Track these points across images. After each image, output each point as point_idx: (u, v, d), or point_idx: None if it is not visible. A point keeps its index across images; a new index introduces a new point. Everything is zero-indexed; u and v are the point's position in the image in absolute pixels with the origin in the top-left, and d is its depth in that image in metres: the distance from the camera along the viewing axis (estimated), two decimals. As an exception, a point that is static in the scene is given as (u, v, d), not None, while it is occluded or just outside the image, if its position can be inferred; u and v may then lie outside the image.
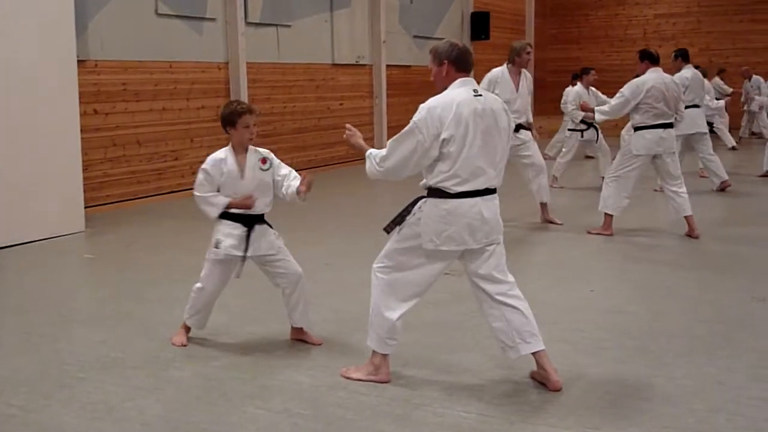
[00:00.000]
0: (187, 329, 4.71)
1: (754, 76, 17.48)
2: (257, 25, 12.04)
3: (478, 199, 3.81)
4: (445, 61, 3.88)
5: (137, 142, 10.23)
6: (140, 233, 8.32)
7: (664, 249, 7.32)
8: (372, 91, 15.23)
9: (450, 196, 3.78)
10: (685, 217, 7.66)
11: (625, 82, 7.67)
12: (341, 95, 14.22)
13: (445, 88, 3.87)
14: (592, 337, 4.79)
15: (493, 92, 7.86)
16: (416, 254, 3.88)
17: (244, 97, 11.61)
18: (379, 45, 15.07)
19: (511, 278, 3.99)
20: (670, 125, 7.57)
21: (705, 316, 5.19)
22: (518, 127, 8.02)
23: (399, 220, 3.93)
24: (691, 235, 7.64)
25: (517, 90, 8.01)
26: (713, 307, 5.38)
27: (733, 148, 15.26)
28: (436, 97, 3.81)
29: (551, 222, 8.39)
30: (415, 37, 16.43)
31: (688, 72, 10.41)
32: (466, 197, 3.79)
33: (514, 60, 8.02)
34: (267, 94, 12.29)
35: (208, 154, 4.71)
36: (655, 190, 9.88)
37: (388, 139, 15.04)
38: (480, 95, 3.84)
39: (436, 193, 3.83)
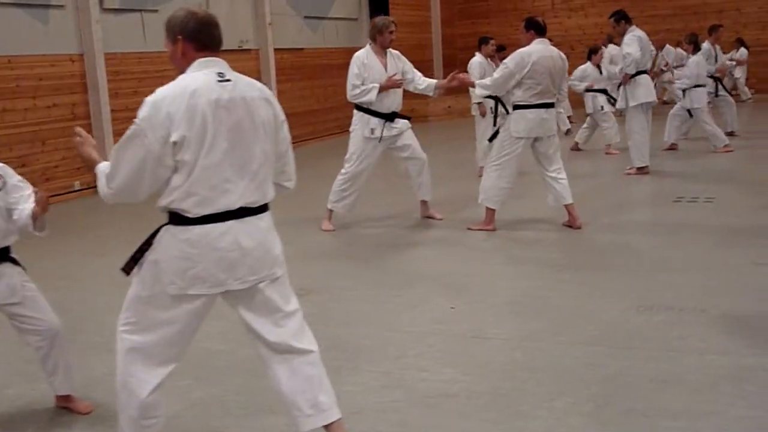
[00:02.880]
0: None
1: (667, 46, 16.90)
2: (116, 11, 10.85)
3: (231, 223, 2.83)
4: (180, 37, 2.88)
5: (-27, 150, 9.03)
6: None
7: (547, 245, 6.50)
8: (260, 78, 14.14)
9: (190, 222, 2.79)
10: (566, 205, 6.88)
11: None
12: (223, 84, 13.11)
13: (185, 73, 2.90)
14: (436, 378, 3.89)
15: (364, 77, 6.96)
16: (163, 303, 2.85)
17: (104, 92, 10.47)
18: (265, 27, 13.99)
19: (294, 323, 3.01)
20: (551, 105, 6.77)
21: (581, 337, 4.35)
22: (393, 116, 7.13)
23: (137, 256, 2.91)
24: (572, 225, 6.88)
25: (386, 71, 7.08)
26: (592, 324, 4.54)
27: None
28: (167, 86, 2.80)
29: (431, 217, 7.51)
30: (307, 17, 15.38)
31: (639, 32, 9.47)
32: (212, 222, 2.80)
33: (376, 38, 7.08)
34: (133, 87, 11.10)
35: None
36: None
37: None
38: (227, 80, 2.84)
39: (173, 218, 2.83)
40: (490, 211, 6.95)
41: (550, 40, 14.60)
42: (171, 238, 2.81)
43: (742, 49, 17.11)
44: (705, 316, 4.55)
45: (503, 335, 4.44)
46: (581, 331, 4.42)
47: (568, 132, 13.44)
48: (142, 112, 2.73)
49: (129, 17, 11.10)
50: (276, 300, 2.97)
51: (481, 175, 7.41)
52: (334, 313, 5.00)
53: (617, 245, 6.33)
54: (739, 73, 17.44)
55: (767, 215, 7.01)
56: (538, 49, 6.64)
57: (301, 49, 15.27)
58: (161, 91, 2.77)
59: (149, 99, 2.75)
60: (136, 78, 11.16)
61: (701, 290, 5.04)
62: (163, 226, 2.85)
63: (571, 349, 4.18)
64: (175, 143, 2.70)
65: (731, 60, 16.29)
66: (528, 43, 6.75)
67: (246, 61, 13.76)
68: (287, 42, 14.76)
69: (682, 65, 13.66)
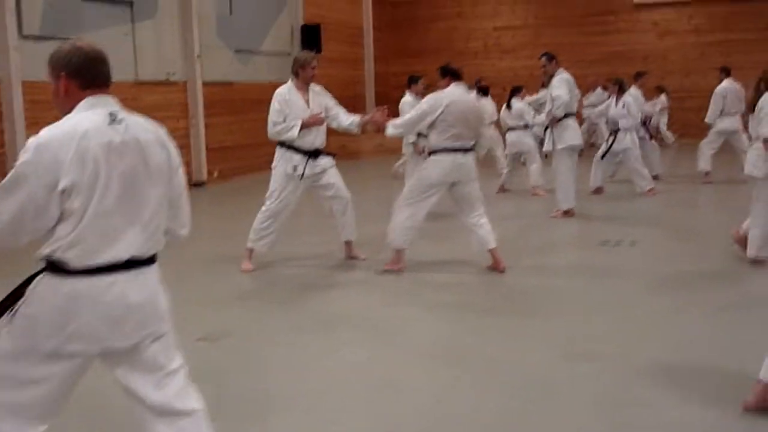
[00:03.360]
0: None
1: (598, 89, 17.20)
2: (36, 38, 10.48)
3: (118, 275, 2.59)
4: (63, 74, 2.67)
5: None
6: None
7: (470, 289, 6.36)
8: (187, 111, 13.86)
9: (73, 273, 2.54)
10: (489, 250, 6.78)
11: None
12: (148, 115, 12.63)
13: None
14: (348, 434, 3.68)
15: (285, 113, 6.77)
16: (36, 359, 2.57)
17: (20, 121, 10.06)
18: (193, 60, 13.72)
19: (177, 382, 2.74)
20: (469, 149, 6.68)
21: (501, 388, 4.18)
22: (317, 153, 6.95)
23: (8, 303, 2.62)
24: (496, 268, 6.76)
25: (309, 107, 6.91)
26: (513, 374, 4.39)
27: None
28: (52, 126, 2.58)
29: (355, 258, 7.32)
30: (238, 51, 15.17)
31: (567, 75, 9.47)
32: (97, 274, 2.55)
33: (298, 73, 6.92)
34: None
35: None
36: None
37: (207, 162, 13.57)
38: (119, 121, 2.64)
39: (53, 267, 2.57)
40: (400, 251, 6.81)
41: (479, 81, 14.69)
42: (49, 289, 2.55)
43: (663, 96, 17.52)
44: (628, 366, 4.44)
45: (420, 385, 4.24)
46: (502, 382, 4.26)
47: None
48: (26, 155, 2.49)
49: (50, 45, 10.67)
50: (159, 358, 2.73)
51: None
52: (247, 359, 4.75)
53: (541, 289, 6.23)
54: (662, 119, 17.88)
55: (689, 261, 7.02)
56: (454, 92, 6.56)
57: (231, 82, 15.04)
58: (47, 133, 2.54)
59: (33, 141, 2.52)
60: (56, 107, 10.78)
61: (625, 338, 4.95)
62: (38, 274, 2.59)
63: (491, 401, 4.01)
64: (63, 191, 2.47)
65: (659, 107, 16.69)
66: (444, 87, 6.67)
67: (173, 93, 13.47)
68: (217, 75, 14.50)
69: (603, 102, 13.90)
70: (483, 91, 13.82)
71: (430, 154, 6.63)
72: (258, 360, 4.73)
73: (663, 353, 4.66)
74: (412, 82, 10.50)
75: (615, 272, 6.69)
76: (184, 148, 13.68)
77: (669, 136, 17.97)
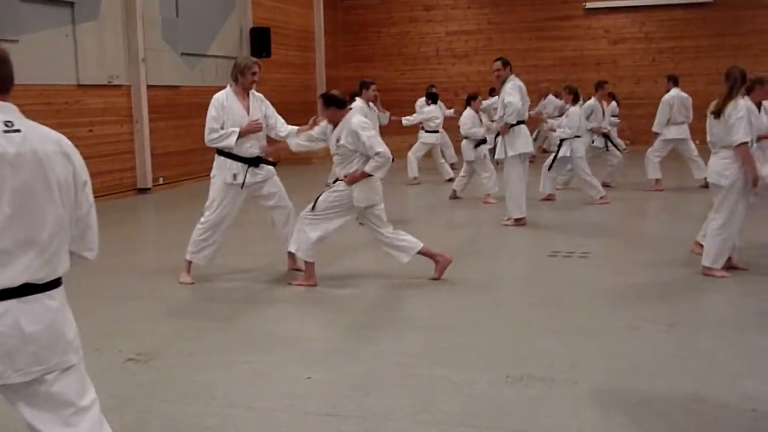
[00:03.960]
0: None
1: (549, 96, 17.14)
2: (-31, 39, 10.05)
3: (11, 302, 2.32)
4: None
5: None
6: None
7: (412, 305, 6.09)
8: (132, 115, 13.45)
9: None
10: (422, 252, 6.64)
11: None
12: (90, 120, 12.34)
13: None
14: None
15: (223, 120, 6.51)
16: None
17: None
18: (138, 63, 13.33)
19: (89, 420, 2.48)
20: None
21: (444, 415, 3.94)
22: (258, 161, 6.68)
23: None
24: (439, 269, 6.68)
25: (249, 114, 6.64)
26: (457, 398, 4.15)
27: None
28: None
29: (299, 270, 7.04)
30: (185, 54, 14.80)
31: (519, 81, 9.27)
32: None
33: (237, 78, 6.66)
34: None
35: None
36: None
37: (152, 167, 13.15)
38: (16, 130, 2.35)
39: None
40: (310, 265, 6.57)
41: (431, 87, 14.54)
42: None
43: (613, 103, 17.56)
44: (577, 389, 4.24)
45: (359, 413, 3.98)
46: (445, 408, 4.02)
47: (450, 180, 13.27)
48: None
49: (-17, 46, 10.29)
50: (67, 393, 2.45)
51: (362, 223, 7.00)
52: (175, 383, 4.45)
53: (488, 305, 6.00)
54: (610, 126, 17.91)
55: (641, 273, 6.88)
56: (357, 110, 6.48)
57: (178, 86, 14.66)
58: None
59: None
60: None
61: (574, 357, 4.75)
62: None
63: (434, 429, 3.78)
64: None
65: (614, 116, 16.68)
66: (335, 118, 6.47)
67: (116, 97, 13.07)
68: (162, 79, 14.12)
69: (561, 114, 13.79)
70: (432, 97, 13.65)
71: None
72: (186, 384, 4.43)
73: (613, 375, 4.47)
74: (363, 87, 10.27)
75: (564, 285, 6.52)
76: (129, 153, 13.28)
77: (620, 143, 17.97)
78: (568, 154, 10.93)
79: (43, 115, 11.22)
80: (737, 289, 6.28)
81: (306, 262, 6.57)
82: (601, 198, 10.97)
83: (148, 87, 13.59)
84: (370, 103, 10.13)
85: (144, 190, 13.45)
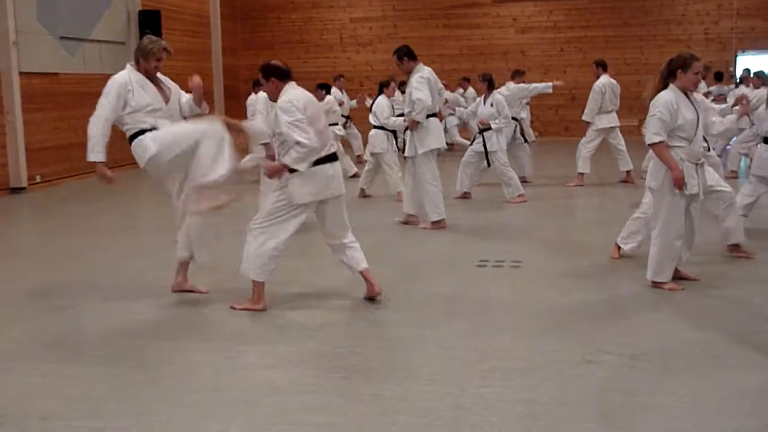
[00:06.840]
0: None
1: (470, 88, 16.48)
2: None
3: None
4: None
5: None
6: None
7: (335, 333, 5.17)
8: (2, 106, 12.04)
9: None
10: (361, 272, 5.73)
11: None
12: (-48, 110, 10.94)
13: None
14: None
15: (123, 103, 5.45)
16: None
17: None
18: (8, 47, 11.93)
19: None
20: (335, 157, 5.59)
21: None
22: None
23: None
24: (372, 296, 5.75)
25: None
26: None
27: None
28: None
29: (193, 291, 6.04)
30: (64, 38, 13.41)
31: (426, 71, 8.33)
32: None
33: (140, 62, 5.64)
34: None
35: None
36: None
37: (27, 164, 11.76)
38: None
39: None
40: (258, 285, 5.57)
41: (342, 75, 13.59)
42: None
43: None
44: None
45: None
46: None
47: (354, 176, 12.32)
48: None
49: None
50: None
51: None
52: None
53: (415, 337, 5.04)
54: (524, 115, 17.40)
55: (583, 287, 6.13)
56: (300, 94, 5.42)
57: (56, 74, 13.29)
58: None
59: None
60: None
61: (521, 405, 3.90)
62: None
63: None
64: None
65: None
66: (277, 92, 5.46)
67: (-17, 85, 11.65)
68: (38, 65, 12.74)
69: (463, 107, 13.13)
70: (325, 88, 12.53)
71: (290, 171, 5.41)
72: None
73: (573, 427, 3.66)
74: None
75: (500, 305, 5.69)
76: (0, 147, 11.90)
77: (531, 134, 17.50)
78: (496, 148, 10.21)
79: None
80: (694, 305, 5.57)
81: (254, 281, 5.55)
82: (519, 195, 10.30)
83: (21, 74, 12.24)
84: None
85: (18, 190, 12.09)
